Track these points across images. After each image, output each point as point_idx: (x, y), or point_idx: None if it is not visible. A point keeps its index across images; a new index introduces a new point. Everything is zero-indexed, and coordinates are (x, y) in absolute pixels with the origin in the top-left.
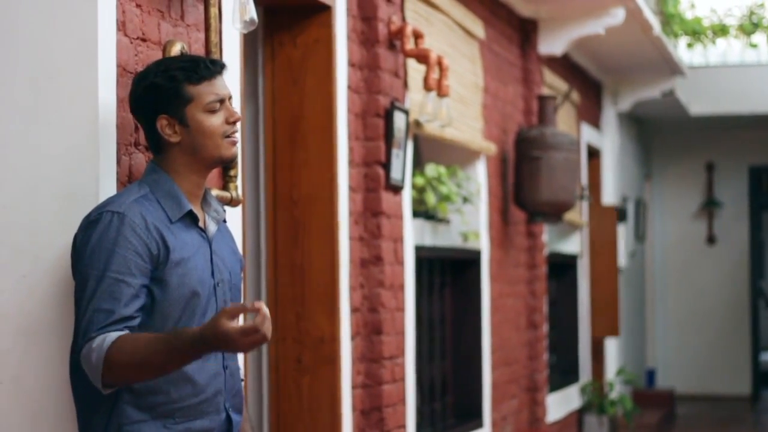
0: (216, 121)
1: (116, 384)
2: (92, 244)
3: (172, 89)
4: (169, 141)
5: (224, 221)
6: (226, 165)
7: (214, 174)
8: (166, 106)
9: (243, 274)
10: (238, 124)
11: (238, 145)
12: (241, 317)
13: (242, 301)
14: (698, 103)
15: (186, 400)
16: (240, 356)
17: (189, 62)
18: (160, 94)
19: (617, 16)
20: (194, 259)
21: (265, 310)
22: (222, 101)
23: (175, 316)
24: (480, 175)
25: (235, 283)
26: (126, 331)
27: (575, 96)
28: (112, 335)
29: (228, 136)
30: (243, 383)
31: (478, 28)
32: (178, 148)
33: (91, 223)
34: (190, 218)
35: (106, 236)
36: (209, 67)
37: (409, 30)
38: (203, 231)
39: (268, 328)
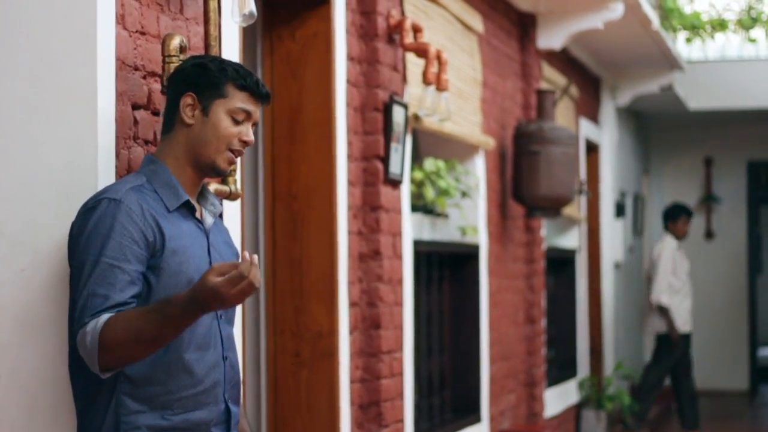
0: (232, 129)
1: (114, 366)
2: (88, 230)
3: (216, 78)
4: (182, 120)
5: (220, 216)
6: (216, 175)
7: None
8: (201, 88)
9: None
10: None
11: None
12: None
13: None
14: (697, 98)
15: (184, 391)
16: (238, 349)
17: (244, 70)
18: (203, 75)
19: (616, 10)
20: (191, 249)
21: (253, 257)
22: (248, 118)
23: None
24: (478, 169)
25: None
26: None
27: (574, 90)
28: (104, 316)
29: (232, 150)
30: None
31: (476, 22)
32: (186, 132)
33: (87, 211)
34: (188, 209)
35: (102, 223)
36: (259, 86)
37: (408, 24)
38: (200, 222)
39: (255, 275)
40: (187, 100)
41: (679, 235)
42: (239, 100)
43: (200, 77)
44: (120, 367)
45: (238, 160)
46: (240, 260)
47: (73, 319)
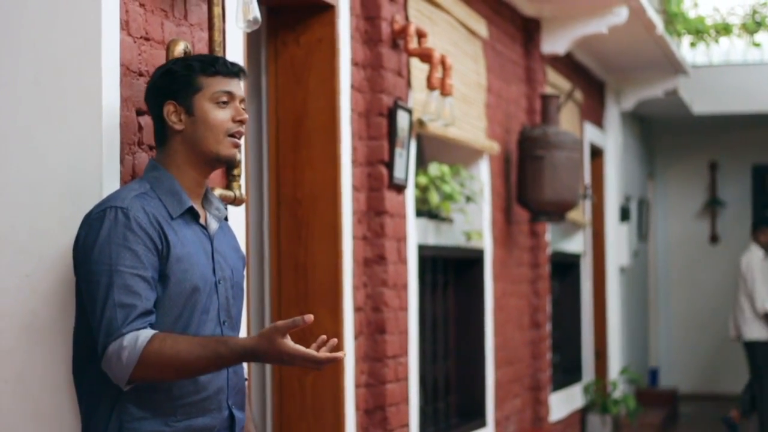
0: (222, 115)
1: (141, 382)
2: (101, 240)
3: (186, 76)
4: (172, 128)
5: (226, 219)
6: (226, 165)
7: (218, 173)
8: (176, 92)
9: (246, 270)
10: (244, 128)
11: (242, 148)
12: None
13: (243, 302)
14: (701, 102)
15: (187, 398)
16: None
17: (209, 57)
18: (174, 80)
19: (620, 15)
20: (195, 256)
21: (340, 355)
22: (232, 97)
23: (175, 312)
24: (483, 174)
25: (238, 280)
26: (149, 329)
27: (578, 95)
28: (145, 333)
29: (231, 135)
30: (246, 382)
31: (481, 27)
32: (180, 139)
33: (94, 221)
34: (191, 215)
35: (114, 232)
36: (227, 65)
37: (412, 29)
38: (204, 228)
39: (325, 363)
40: (169, 108)
41: (763, 245)
42: (216, 85)
43: (171, 83)
44: (145, 383)
45: (243, 165)
46: (299, 320)
47: (99, 330)
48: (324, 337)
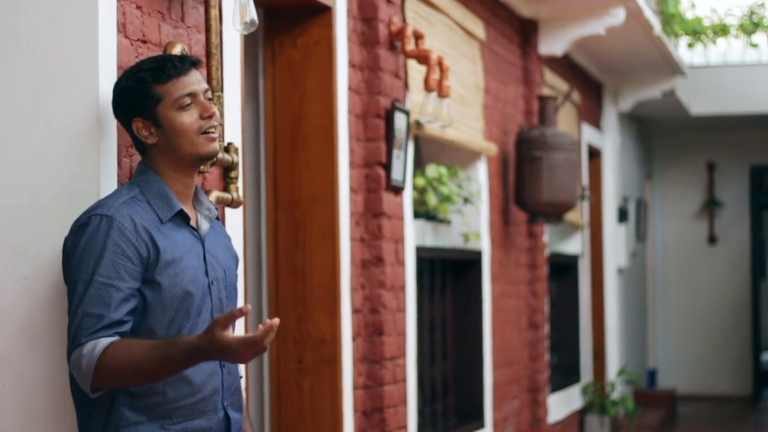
0: (188, 118)
1: (105, 388)
2: (81, 248)
3: (142, 91)
4: (146, 143)
5: (217, 219)
6: (209, 160)
7: (215, 175)
8: (140, 108)
9: (244, 272)
10: (217, 119)
11: (238, 141)
12: (241, 326)
13: (238, 302)
14: (699, 103)
15: (183, 400)
16: None
17: (157, 62)
18: (132, 96)
19: (618, 16)
20: (186, 259)
21: (274, 323)
22: (194, 96)
23: (168, 316)
24: (481, 175)
25: (231, 280)
26: (116, 337)
27: (576, 96)
28: (104, 341)
29: (205, 132)
30: (242, 381)
31: (478, 28)
32: (156, 150)
33: (80, 227)
34: (182, 218)
35: (94, 240)
36: (177, 65)
37: (409, 31)
38: (195, 230)
39: (269, 340)
40: (138, 125)
41: None
42: (174, 91)
43: (131, 101)
44: (111, 389)
45: (240, 167)
46: (236, 310)
47: (69, 337)
48: (260, 325)
